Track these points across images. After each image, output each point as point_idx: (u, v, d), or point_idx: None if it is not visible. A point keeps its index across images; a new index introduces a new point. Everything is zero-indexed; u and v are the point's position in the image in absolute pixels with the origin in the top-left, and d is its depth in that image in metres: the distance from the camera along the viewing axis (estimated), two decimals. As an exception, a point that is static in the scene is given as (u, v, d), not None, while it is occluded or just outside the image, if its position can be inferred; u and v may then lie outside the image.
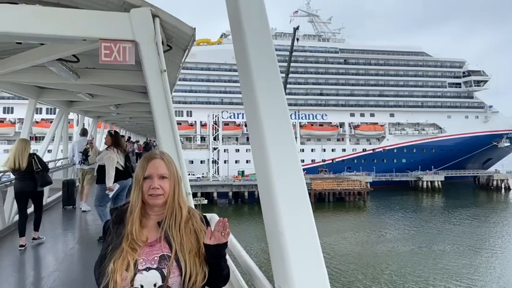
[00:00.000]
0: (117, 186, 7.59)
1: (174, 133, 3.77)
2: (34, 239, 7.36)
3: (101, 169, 7.71)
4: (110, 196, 7.53)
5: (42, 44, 4.90)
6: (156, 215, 1.90)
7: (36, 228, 7.39)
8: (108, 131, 8.27)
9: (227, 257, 1.94)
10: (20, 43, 4.28)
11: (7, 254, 7.11)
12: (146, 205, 1.90)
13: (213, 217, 3.83)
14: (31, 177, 6.98)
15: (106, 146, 7.98)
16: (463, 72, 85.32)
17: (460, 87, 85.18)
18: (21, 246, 6.99)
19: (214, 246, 1.77)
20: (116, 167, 7.55)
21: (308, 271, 1.69)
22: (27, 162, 6.91)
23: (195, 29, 4.12)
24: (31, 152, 7.18)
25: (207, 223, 1.95)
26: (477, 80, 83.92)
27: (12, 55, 5.61)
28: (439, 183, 71.07)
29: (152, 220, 1.90)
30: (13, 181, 7.75)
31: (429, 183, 71.17)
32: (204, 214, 1.99)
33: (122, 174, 7.66)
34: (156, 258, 1.78)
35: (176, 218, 1.86)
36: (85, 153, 10.39)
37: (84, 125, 14.94)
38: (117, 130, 31.17)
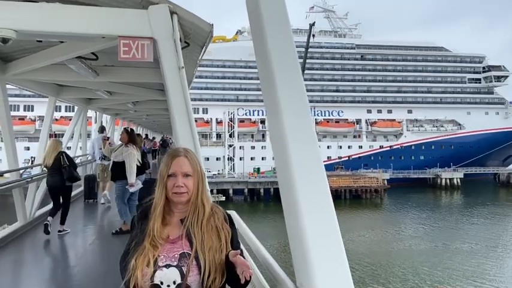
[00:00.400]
0: (139, 182, 7.74)
1: (192, 130, 3.77)
2: (59, 231, 7.71)
3: (116, 166, 7.82)
4: (131, 191, 7.66)
5: (62, 42, 4.96)
6: (179, 212, 1.91)
7: (62, 222, 7.77)
8: (124, 128, 8.41)
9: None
10: (41, 41, 4.34)
11: (30, 249, 7.23)
12: (170, 202, 1.91)
13: (232, 214, 3.82)
14: (59, 173, 7.53)
15: (120, 143, 8.11)
16: (483, 68, 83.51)
17: (480, 82, 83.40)
18: (60, 231, 7.73)
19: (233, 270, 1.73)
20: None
21: (331, 269, 1.66)
22: (53, 159, 7.55)
23: (212, 25, 4.12)
24: (62, 150, 7.78)
25: (230, 221, 1.94)
26: (497, 75, 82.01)
27: (33, 53, 5.70)
28: (458, 180, 69.88)
29: (175, 217, 1.91)
30: (34, 178, 8.34)
31: (448, 181, 70.01)
32: (227, 212, 1.98)
33: (139, 170, 7.86)
34: (176, 255, 1.79)
35: (199, 216, 1.86)
36: None
37: (102, 123, 15.03)
38: (134, 127, 31.60)
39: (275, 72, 1.94)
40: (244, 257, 1.79)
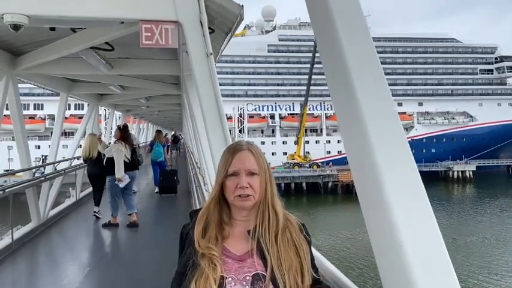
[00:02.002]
0: (127, 177, 8.00)
1: (222, 123, 3.40)
2: (94, 212, 8.82)
3: (109, 162, 8.15)
4: (121, 186, 7.97)
5: (75, 32, 4.63)
6: (243, 221, 1.52)
7: (97, 204, 8.94)
8: (118, 126, 8.87)
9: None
10: (53, 29, 4.00)
11: (45, 251, 7.03)
12: (232, 209, 1.52)
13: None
14: (100, 164, 8.65)
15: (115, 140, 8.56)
16: (495, 58, 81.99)
17: (492, 73, 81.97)
18: (94, 212, 8.82)
19: None
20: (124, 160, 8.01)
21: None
22: (98, 152, 8.86)
23: (242, 6, 3.72)
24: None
25: (307, 233, 1.55)
26: (510, 65, 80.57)
27: (45, 45, 5.39)
28: (471, 173, 68.93)
29: (239, 227, 1.52)
30: (47, 177, 8.41)
31: (460, 173, 69.06)
32: (301, 222, 1.58)
33: (129, 166, 8.14)
34: (248, 277, 1.40)
35: (271, 225, 1.47)
36: None
37: (115, 120, 15.25)
38: (145, 125, 31.47)
39: (347, 59, 1.55)
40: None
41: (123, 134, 8.33)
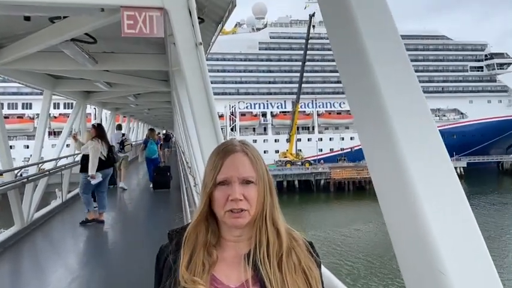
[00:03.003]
0: (99, 175, 8.11)
1: (213, 119, 3.10)
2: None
3: (85, 158, 8.23)
4: (93, 183, 8.05)
5: (53, 22, 4.29)
6: (236, 241, 1.21)
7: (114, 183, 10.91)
8: (92, 124, 8.94)
9: None
10: (29, 18, 3.67)
11: (28, 255, 6.73)
12: (221, 226, 1.21)
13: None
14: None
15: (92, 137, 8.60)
16: (486, 55, 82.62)
17: (483, 70, 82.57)
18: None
19: None
20: (99, 157, 8.09)
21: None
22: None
23: (235, -7, 3.42)
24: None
25: (315, 253, 1.23)
26: (500, 62, 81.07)
27: (22, 38, 5.04)
28: (461, 169, 69.29)
29: (231, 250, 1.20)
30: (30, 178, 8.08)
31: (451, 170, 69.45)
32: (308, 240, 1.26)
33: (105, 164, 8.29)
34: None
35: (271, 247, 1.16)
36: (121, 144, 12.49)
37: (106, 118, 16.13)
38: (135, 123, 31.07)
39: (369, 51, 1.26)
40: None
41: (99, 131, 8.46)
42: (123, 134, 13.24)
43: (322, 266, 1.28)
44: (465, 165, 69.95)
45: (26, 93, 62.25)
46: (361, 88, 1.32)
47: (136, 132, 31.09)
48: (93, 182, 8.00)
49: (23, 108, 67.93)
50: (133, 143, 18.51)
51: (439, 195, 1.12)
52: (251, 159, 1.20)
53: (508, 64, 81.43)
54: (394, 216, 1.22)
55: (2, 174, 7.54)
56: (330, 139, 75.77)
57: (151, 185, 12.82)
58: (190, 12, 3.16)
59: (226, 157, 1.19)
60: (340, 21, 1.41)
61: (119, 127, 14.60)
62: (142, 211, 10.51)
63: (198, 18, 4.02)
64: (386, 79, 1.24)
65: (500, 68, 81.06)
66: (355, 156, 72.68)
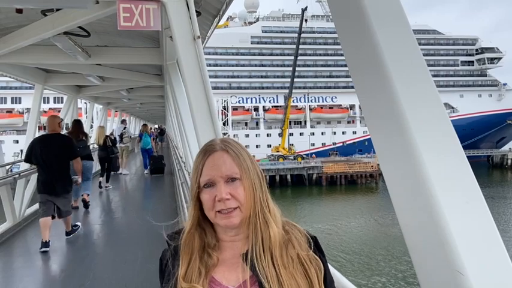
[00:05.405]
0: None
1: (211, 110, 3.05)
2: (106, 187, 11.64)
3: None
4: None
5: (46, 15, 4.20)
6: (233, 241, 1.18)
7: (107, 180, 11.81)
8: (74, 120, 9.53)
9: None
10: (21, 11, 3.58)
11: (20, 252, 6.63)
12: (217, 228, 1.19)
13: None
14: (106, 149, 11.72)
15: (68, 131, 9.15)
16: (476, 50, 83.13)
17: (473, 65, 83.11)
18: (106, 186, 11.69)
19: None
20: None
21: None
22: (103, 140, 11.67)
23: (232, -16, 3.36)
24: (107, 133, 12.47)
25: (317, 247, 1.18)
26: (491, 57, 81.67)
27: (14, 31, 4.93)
28: (452, 163, 70.02)
29: (230, 250, 1.18)
30: (22, 174, 8.01)
31: (442, 164, 70.04)
32: (312, 235, 1.21)
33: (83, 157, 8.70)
34: None
35: (264, 244, 1.12)
36: (121, 136, 14.83)
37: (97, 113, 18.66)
38: (127, 118, 30.92)
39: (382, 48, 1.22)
40: None
41: (78, 127, 8.86)
42: (124, 128, 15.48)
43: (330, 266, 1.24)
44: (455, 159, 70.56)
45: (16, 88, 61.54)
46: (371, 81, 1.29)
47: (129, 127, 30.97)
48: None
49: (12, 102, 67.10)
50: (132, 136, 20.29)
51: (455, 190, 1.09)
52: (232, 155, 1.16)
53: (499, 58, 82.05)
54: (409, 216, 1.19)
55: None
56: (322, 133, 75.89)
57: (146, 171, 15.04)
58: (187, 5, 3.10)
59: (206, 158, 1.17)
60: (349, 12, 1.38)
61: (123, 121, 16.99)
62: (142, 192, 12.73)
63: (195, 11, 3.97)
64: (399, 71, 1.21)
65: (491, 63, 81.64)
66: (347, 150, 73.01)
